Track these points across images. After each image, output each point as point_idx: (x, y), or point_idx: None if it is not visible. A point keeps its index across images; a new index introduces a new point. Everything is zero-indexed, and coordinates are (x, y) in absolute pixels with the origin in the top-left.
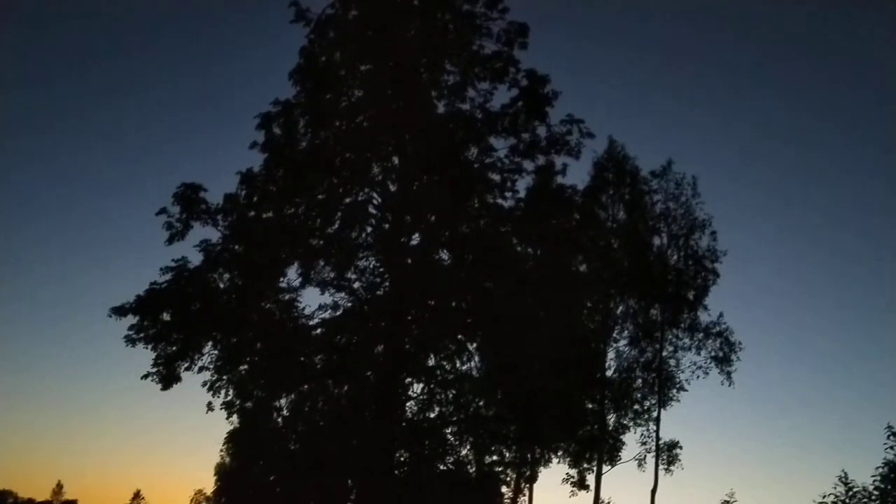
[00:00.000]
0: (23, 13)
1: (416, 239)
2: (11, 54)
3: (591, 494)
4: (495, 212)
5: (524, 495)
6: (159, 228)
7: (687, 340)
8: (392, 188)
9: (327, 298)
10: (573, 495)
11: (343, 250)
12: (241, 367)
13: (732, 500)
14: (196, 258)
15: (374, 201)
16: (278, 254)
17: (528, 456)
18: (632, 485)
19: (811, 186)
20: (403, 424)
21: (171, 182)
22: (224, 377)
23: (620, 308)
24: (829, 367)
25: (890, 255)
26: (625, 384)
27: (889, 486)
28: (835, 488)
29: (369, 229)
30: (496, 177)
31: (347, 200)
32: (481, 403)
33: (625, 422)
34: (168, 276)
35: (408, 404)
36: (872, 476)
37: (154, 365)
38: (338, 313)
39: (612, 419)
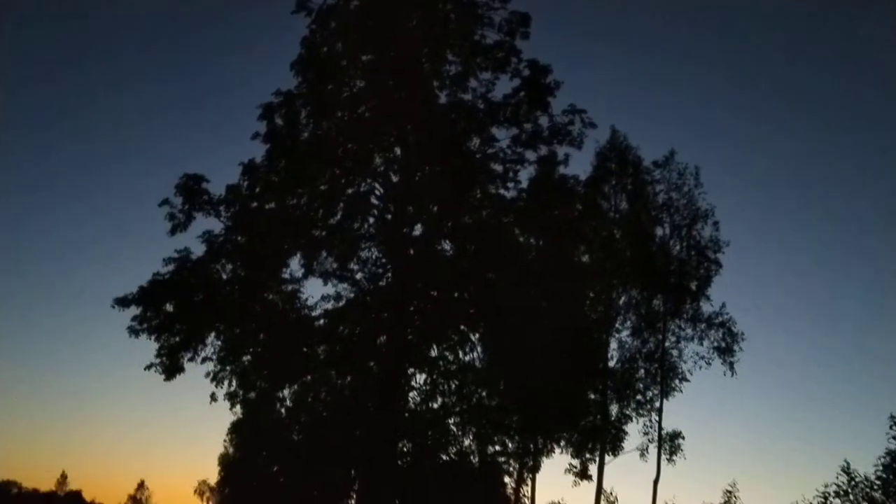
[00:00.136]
0: (25, 6)
1: (418, 230)
2: (13, 47)
3: (594, 485)
4: (497, 202)
5: (527, 485)
6: (162, 219)
7: (689, 331)
8: (394, 179)
9: (330, 289)
10: (575, 485)
11: (345, 241)
12: (245, 358)
13: (734, 490)
14: (199, 249)
15: (377, 192)
16: (281, 245)
17: (531, 446)
18: (634, 475)
19: (814, 177)
20: (406, 415)
21: (173, 173)
22: (227, 368)
23: (623, 298)
24: (831, 357)
25: (893, 246)
26: (627, 374)
27: (891, 476)
28: (837, 478)
29: (371, 220)
30: (498, 167)
31: (350, 191)
32: (484, 394)
33: (627, 412)
34: (171, 267)
35: (410, 395)
36: (874, 466)
37: (157, 356)
38: (340, 304)
39: (614, 409)
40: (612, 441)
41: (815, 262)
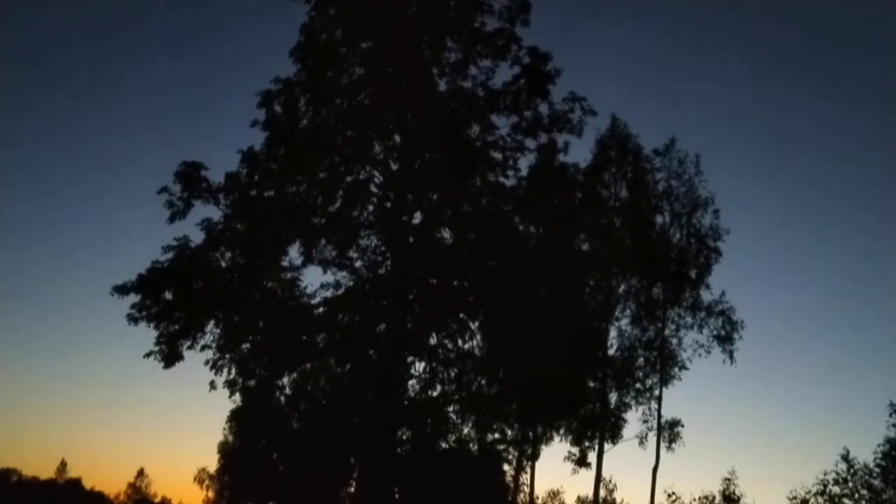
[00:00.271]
0: None
1: (417, 218)
2: (11, 30)
3: (593, 472)
4: (497, 190)
5: (526, 473)
6: (161, 207)
7: (689, 319)
8: (394, 167)
9: (329, 277)
10: (575, 473)
11: (345, 229)
12: (244, 346)
13: (733, 478)
14: (198, 237)
15: (376, 180)
16: (280, 232)
17: (530, 434)
18: (633, 463)
19: (815, 164)
20: (405, 403)
21: (172, 160)
22: (226, 356)
23: (622, 287)
24: (831, 345)
25: (893, 234)
26: (627, 363)
27: (890, 464)
28: (836, 466)
29: (371, 208)
30: (498, 155)
31: (349, 179)
32: (483, 382)
33: (626, 400)
34: (170, 255)
35: (410, 383)
36: (874, 454)
37: (156, 343)
38: (340, 292)
39: (613, 397)
40: (611, 429)
41: (815, 251)
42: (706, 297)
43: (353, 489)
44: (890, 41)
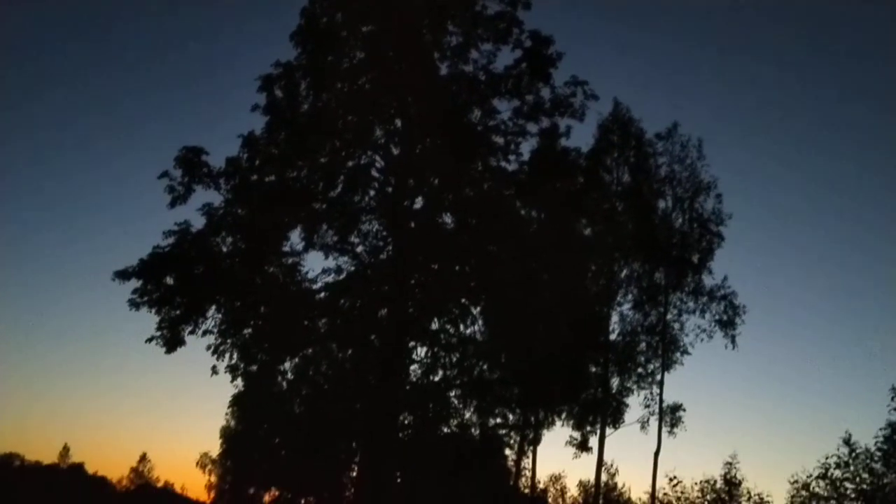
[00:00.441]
0: None
1: (419, 202)
2: (11, 20)
3: (595, 457)
4: (499, 175)
5: (527, 458)
6: (162, 192)
7: (691, 304)
8: (395, 151)
9: (330, 262)
10: (576, 457)
11: (346, 214)
12: (245, 331)
13: (735, 461)
14: (199, 222)
15: (377, 164)
16: (281, 217)
17: (532, 419)
18: (635, 447)
19: (816, 149)
20: (407, 388)
21: (172, 145)
22: (228, 341)
23: (624, 271)
24: (832, 328)
25: (894, 216)
26: (628, 347)
27: (892, 448)
28: (838, 450)
29: (372, 193)
30: (500, 140)
31: (350, 164)
32: (485, 367)
33: (628, 385)
34: (171, 240)
35: (412, 368)
36: (875, 437)
37: (158, 328)
38: (341, 277)
39: (615, 382)
40: (612, 413)
41: (818, 235)
42: (708, 281)
43: (354, 473)
44: (891, 21)
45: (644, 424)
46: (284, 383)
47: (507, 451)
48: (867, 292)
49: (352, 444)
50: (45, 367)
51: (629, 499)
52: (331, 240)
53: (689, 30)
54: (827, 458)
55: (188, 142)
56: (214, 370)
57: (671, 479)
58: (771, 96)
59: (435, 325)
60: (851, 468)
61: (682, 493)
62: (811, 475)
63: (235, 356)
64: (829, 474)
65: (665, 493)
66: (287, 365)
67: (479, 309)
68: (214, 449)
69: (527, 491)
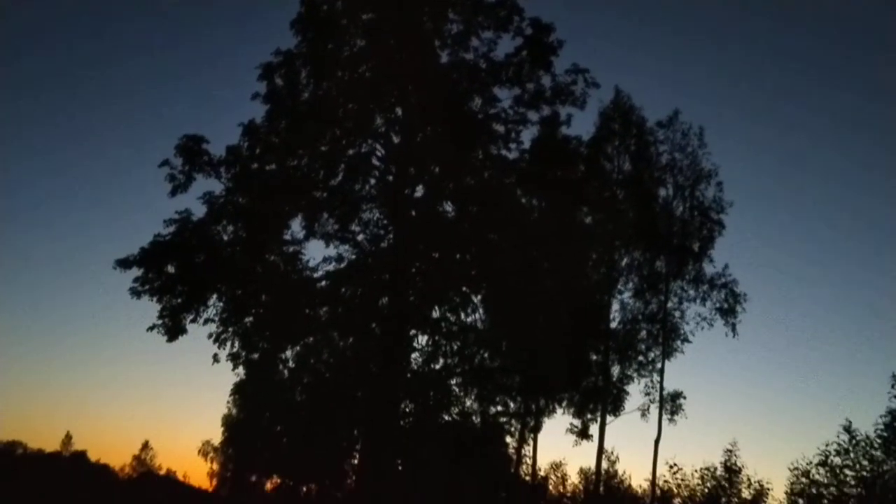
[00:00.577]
0: None
1: (419, 191)
2: (16, 12)
3: (595, 444)
4: (499, 163)
5: (528, 445)
6: (162, 180)
7: (692, 292)
8: (395, 140)
9: (331, 251)
10: (577, 445)
11: (346, 202)
12: (247, 320)
13: (735, 449)
14: (199, 210)
15: (378, 153)
16: (282, 206)
17: (533, 406)
18: (635, 435)
19: (817, 137)
20: (408, 376)
21: (173, 134)
22: (229, 329)
23: (625, 260)
24: (833, 316)
25: (894, 206)
26: (629, 336)
27: (892, 435)
28: (838, 437)
29: (373, 181)
30: (500, 128)
31: (350, 152)
32: (486, 355)
33: (629, 373)
34: (172, 229)
35: (413, 356)
36: (875, 425)
37: (160, 317)
38: (342, 266)
39: (616, 370)
40: (613, 401)
41: (818, 223)
42: (709, 269)
43: (356, 461)
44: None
45: (644, 412)
46: (286, 372)
47: (508, 439)
48: (867, 280)
49: (353, 431)
50: (47, 355)
51: (629, 486)
52: (331, 228)
53: (690, 18)
54: (827, 446)
55: (188, 130)
56: (216, 358)
57: (671, 467)
58: (772, 84)
59: (436, 314)
60: (851, 455)
61: (682, 480)
62: (811, 462)
63: (237, 344)
64: (829, 461)
65: (665, 481)
66: (288, 353)
67: (479, 297)
68: (216, 437)
69: (527, 478)
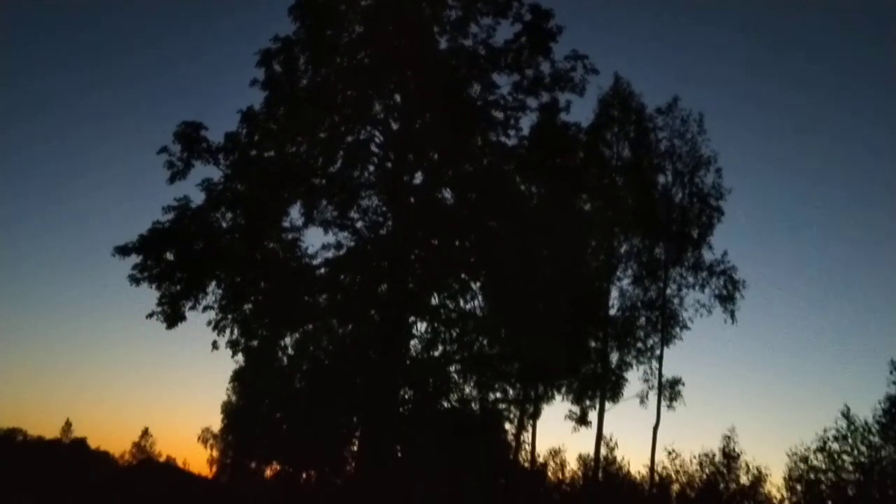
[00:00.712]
0: None
1: (418, 178)
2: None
3: (594, 431)
4: (498, 150)
5: (527, 432)
6: (161, 167)
7: (691, 279)
8: (394, 126)
9: (330, 238)
10: (575, 431)
11: (345, 189)
12: (246, 307)
13: (733, 435)
14: (198, 197)
15: (377, 139)
16: (280, 193)
17: (532, 393)
18: (634, 421)
19: (816, 123)
20: (407, 363)
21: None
22: (228, 316)
23: (624, 247)
24: (831, 302)
25: (892, 192)
26: (628, 322)
27: (890, 421)
28: (836, 423)
29: (371, 168)
30: (499, 114)
31: (349, 139)
32: (485, 342)
33: (627, 359)
34: (170, 216)
35: (412, 343)
36: (873, 411)
37: (159, 304)
38: (341, 253)
39: (614, 357)
40: (612, 388)
41: (817, 209)
42: (708, 256)
43: (355, 448)
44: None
45: (643, 399)
46: (285, 359)
47: (507, 426)
48: (866, 267)
49: (352, 418)
50: (46, 343)
51: (628, 472)
52: (330, 215)
53: (689, 4)
54: (825, 432)
55: (187, 117)
56: (215, 345)
57: (670, 453)
58: (772, 71)
59: (435, 301)
60: (850, 441)
61: (680, 466)
62: (809, 448)
63: (236, 331)
64: (827, 447)
65: (664, 467)
66: (287, 340)
67: (478, 284)
68: (216, 424)
69: (526, 465)
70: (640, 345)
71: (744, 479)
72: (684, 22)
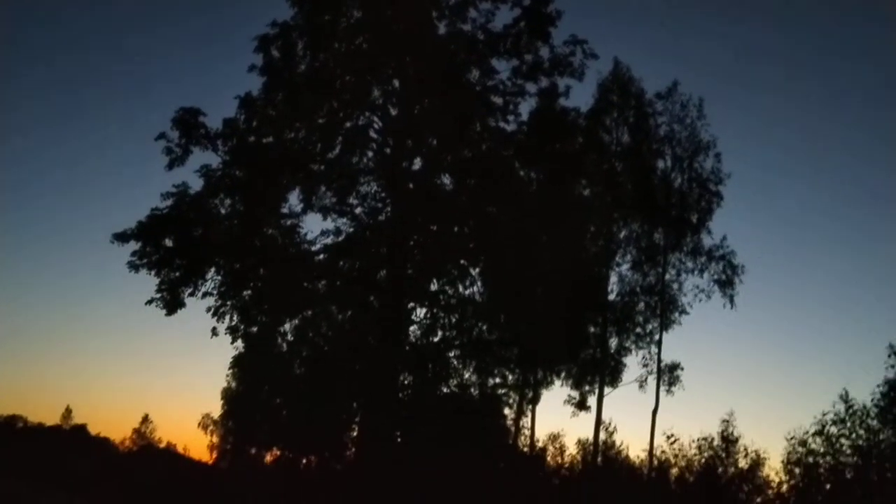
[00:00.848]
0: None
1: (417, 163)
2: None
3: (593, 416)
4: (497, 136)
5: (526, 417)
6: (159, 154)
7: (690, 264)
8: (393, 112)
9: (329, 224)
10: (575, 416)
11: (344, 175)
12: (245, 293)
13: (732, 419)
14: (197, 184)
15: (375, 125)
16: (279, 179)
17: (531, 378)
18: (633, 406)
19: (816, 108)
20: (407, 349)
21: (170, 107)
22: (228, 303)
23: (623, 232)
24: (830, 287)
25: (893, 177)
26: (627, 308)
27: (888, 405)
28: (835, 407)
29: (370, 154)
30: (498, 100)
31: (348, 125)
32: (484, 327)
33: (627, 344)
34: (169, 202)
35: (411, 329)
36: (872, 395)
37: (158, 290)
38: (340, 239)
39: (614, 342)
40: (611, 373)
41: (816, 193)
42: (707, 241)
43: (355, 433)
44: None
45: (642, 383)
46: (284, 345)
47: (506, 411)
48: (865, 251)
49: (352, 404)
50: (46, 330)
51: (627, 457)
52: (329, 201)
53: None
54: (824, 415)
55: (185, 103)
56: (214, 332)
57: (669, 437)
58: (771, 56)
59: (434, 286)
60: (848, 425)
61: (679, 450)
62: (808, 432)
63: (235, 318)
64: (825, 431)
65: (663, 451)
66: (287, 326)
67: (478, 270)
68: (216, 410)
69: (526, 449)
70: (639, 330)
71: (742, 463)
72: (684, 6)
